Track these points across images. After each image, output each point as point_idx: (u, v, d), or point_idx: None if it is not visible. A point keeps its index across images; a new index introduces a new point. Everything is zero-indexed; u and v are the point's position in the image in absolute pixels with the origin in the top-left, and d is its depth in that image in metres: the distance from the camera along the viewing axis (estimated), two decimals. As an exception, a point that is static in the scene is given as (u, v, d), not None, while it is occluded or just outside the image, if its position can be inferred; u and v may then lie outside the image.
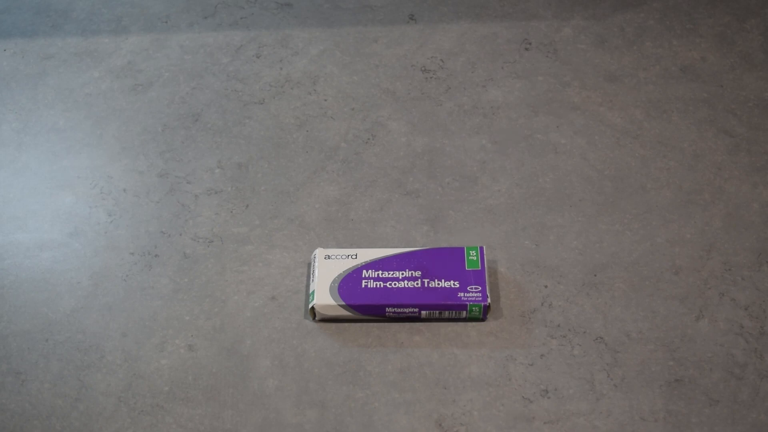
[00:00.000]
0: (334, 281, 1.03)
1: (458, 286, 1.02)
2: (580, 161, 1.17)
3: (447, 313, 1.02)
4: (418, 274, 1.03)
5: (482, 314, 1.02)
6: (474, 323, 1.03)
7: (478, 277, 1.03)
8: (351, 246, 1.10)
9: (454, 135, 1.20)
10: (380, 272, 1.04)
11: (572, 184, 1.15)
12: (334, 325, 1.03)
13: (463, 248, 1.05)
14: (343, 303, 1.01)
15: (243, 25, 1.34)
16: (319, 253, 1.05)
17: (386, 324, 1.03)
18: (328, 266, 1.04)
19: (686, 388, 0.98)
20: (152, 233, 1.11)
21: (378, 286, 1.02)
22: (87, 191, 1.15)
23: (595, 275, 1.07)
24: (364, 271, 1.04)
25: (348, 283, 1.03)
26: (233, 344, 1.02)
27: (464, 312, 1.02)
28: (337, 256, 1.05)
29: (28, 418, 0.97)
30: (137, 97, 1.25)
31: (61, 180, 1.16)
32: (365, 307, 1.02)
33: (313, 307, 1.02)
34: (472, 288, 1.02)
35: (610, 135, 1.20)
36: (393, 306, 1.02)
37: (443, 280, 1.03)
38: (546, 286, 1.06)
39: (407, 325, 1.03)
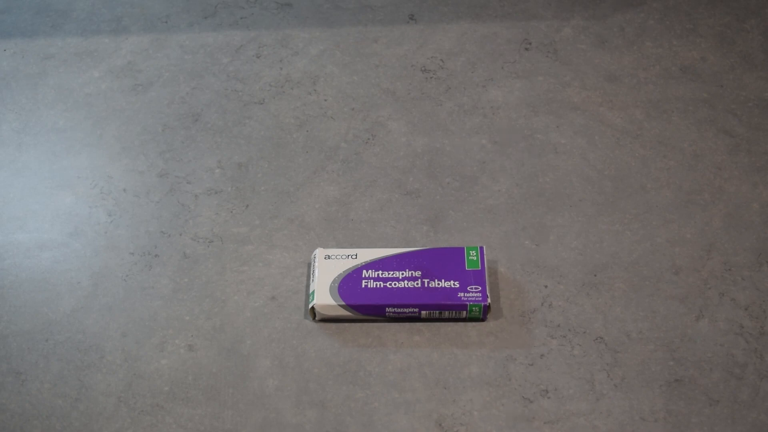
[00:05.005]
0: (334, 281, 1.03)
1: (458, 286, 1.02)
2: (580, 161, 1.17)
3: (447, 313, 1.02)
4: (418, 274, 1.03)
5: (482, 314, 1.02)
6: (474, 323, 1.03)
7: (478, 277, 1.03)
8: (351, 246, 1.10)
9: (454, 135, 1.20)
10: (380, 272, 1.04)
11: (572, 184, 1.15)
12: (334, 325, 1.03)
13: (463, 248, 1.05)
14: (343, 303, 1.01)
15: (243, 25, 1.34)
16: (319, 253, 1.05)
17: (386, 324, 1.03)
18: (328, 266, 1.04)
19: (686, 388, 0.98)
20: (152, 233, 1.11)
21: (378, 286, 1.02)
22: (87, 191, 1.15)
23: (595, 275, 1.07)
24: (364, 271, 1.04)
25: (348, 283, 1.03)
26: (233, 344, 1.02)
27: (464, 312, 1.02)
28: (337, 256, 1.05)
29: (28, 418, 0.97)
30: (137, 97, 1.25)
31: (61, 180, 1.16)
32: (365, 307, 1.02)
33: (313, 307, 1.02)
34: (472, 288, 1.02)
35: (610, 135, 1.20)
36: (393, 306, 1.02)
37: (443, 280, 1.03)
38: (546, 286, 1.06)
39: (407, 325, 1.03)
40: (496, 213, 1.12)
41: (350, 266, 1.04)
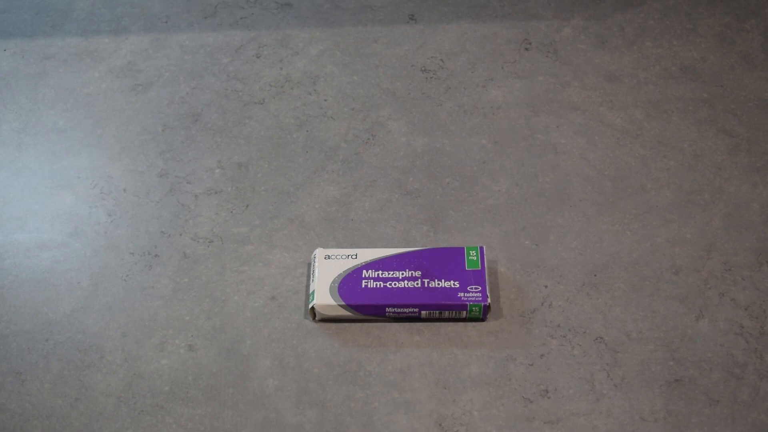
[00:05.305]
0: (334, 281, 1.03)
1: (458, 286, 1.02)
2: (580, 161, 1.17)
3: (447, 313, 1.02)
4: (418, 274, 1.03)
5: (482, 314, 1.02)
6: (474, 323, 1.03)
7: (478, 277, 1.03)
8: (351, 246, 1.10)
9: (454, 135, 1.20)
10: (380, 272, 1.04)
11: (572, 184, 1.15)
12: (334, 325, 1.03)
13: (463, 248, 1.05)
14: (343, 303, 1.01)
15: (243, 25, 1.34)
16: (319, 253, 1.05)
17: (386, 324, 1.03)
18: (328, 266, 1.04)
19: (686, 388, 0.98)
20: (152, 233, 1.11)
21: (378, 286, 1.02)
22: (87, 191, 1.15)
23: (595, 275, 1.07)
24: (364, 271, 1.04)
25: (348, 283, 1.03)
26: (233, 344, 1.02)
27: (464, 312, 1.02)
28: (337, 256, 1.05)
29: (28, 418, 0.97)
30: (137, 97, 1.25)
31: (61, 180, 1.16)
32: (365, 307, 1.02)
33: (313, 307, 1.02)
34: (472, 288, 1.02)
35: (610, 135, 1.20)
36: (393, 306, 1.02)
37: (443, 280, 1.03)
38: (546, 286, 1.06)
39: (407, 325, 1.03)
40: (496, 213, 1.12)
41: (350, 266, 1.04)
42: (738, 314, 1.03)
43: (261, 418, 0.97)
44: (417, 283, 1.03)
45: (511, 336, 1.02)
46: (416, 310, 1.02)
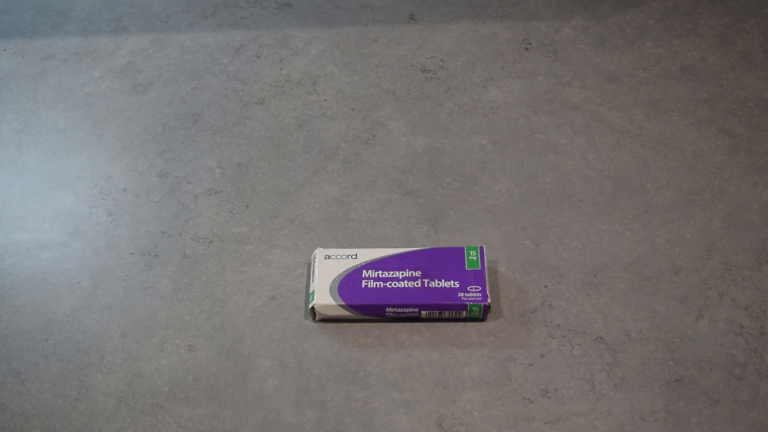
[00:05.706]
0: (334, 281, 1.03)
1: (458, 286, 1.02)
2: (580, 161, 1.17)
3: (447, 313, 1.02)
4: (418, 274, 1.03)
5: (482, 314, 1.02)
6: (474, 323, 1.03)
7: (478, 277, 1.03)
8: (351, 246, 1.10)
9: (454, 135, 1.20)
10: (380, 272, 1.04)
11: (572, 184, 1.15)
12: (334, 325, 1.03)
13: (463, 248, 1.05)
14: (343, 303, 1.01)
15: (243, 25, 1.34)
16: (319, 253, 1.05)
17: (386, 324, 1.03)
18: (328, 266, 1.04)
19: (686, 388, 0.98)
20: (152, 233, 1.11)
21: (378, 286, 1.02)
22: (87, 191, 1.15)
23: (595, 275, 1.07)
24: (364, 271, 1.04)
25: (348, 283, 1.03)
26: (233, 344, 1.02)
27: (464, 312, 1.02)
28: (337, 256, 1.05)
29: (28, 418, 0.97)
30: (137, 97, 1.25)
31: (61, 180, 1.16)
32: (365, 307, 1.02)
33: (313, 307, 1.02)
34: (472, 288, 1.02)
35: (610, 135, 1.20)
36: (393, 306, 1.02)
37: (443, 280, 1.03)
38: (546, 286, 1.06)
39: (407, 325, 1.03)
40: (496, 213, 1.12)
41: (350, 266, 1.04)
42: (738, 314, 1.03)
43: (261, 418, 0.97)
44: (417, 283, 1.03)
45: (511, 336, 1.02)
46: (416, 310, 1.02)
